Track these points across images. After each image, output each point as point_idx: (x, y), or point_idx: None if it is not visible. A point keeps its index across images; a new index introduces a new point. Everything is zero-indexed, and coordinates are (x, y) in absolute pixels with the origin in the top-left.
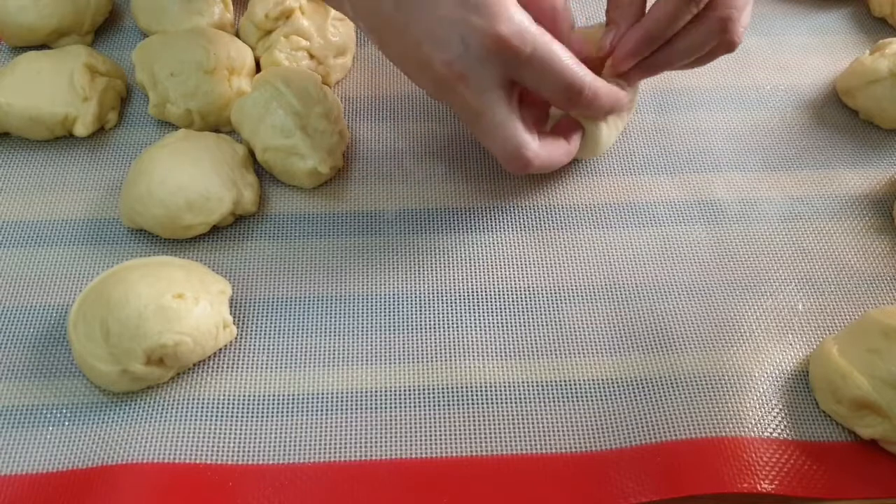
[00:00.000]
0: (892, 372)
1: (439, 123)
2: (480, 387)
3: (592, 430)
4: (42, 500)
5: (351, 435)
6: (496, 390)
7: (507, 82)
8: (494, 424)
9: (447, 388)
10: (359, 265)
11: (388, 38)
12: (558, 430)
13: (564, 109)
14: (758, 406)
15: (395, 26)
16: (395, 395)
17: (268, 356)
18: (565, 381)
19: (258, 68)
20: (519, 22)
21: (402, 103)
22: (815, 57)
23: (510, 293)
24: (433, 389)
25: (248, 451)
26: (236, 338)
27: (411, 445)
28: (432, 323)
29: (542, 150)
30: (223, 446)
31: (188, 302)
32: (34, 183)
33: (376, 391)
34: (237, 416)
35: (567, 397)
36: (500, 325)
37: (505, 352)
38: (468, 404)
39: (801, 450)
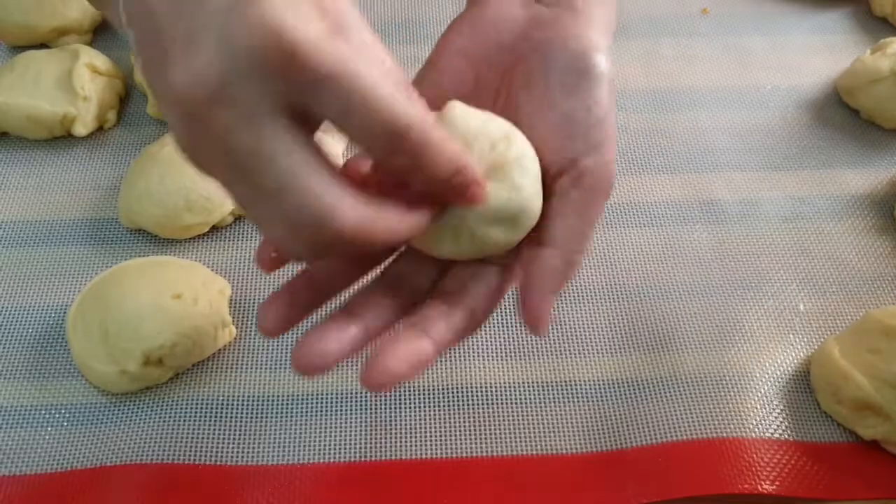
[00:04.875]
0: (893, 373)
1: None
2: (481, 387)
3: (593, 430)
4: (40, 501)
5: (350, 435)
6: (496, 390)
7: (292, 109)
8: (495, 425)
9: (448, 389)
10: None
11: (143, 42)
12: (558, 431)
13: (381, 160)
14: (759, 407)
15: (157, 26)
16: (395, 395)
17: (267, 356)
18: (566, 381)
19: None
20: (310, 26)
21: None
22: (816, 56)
23: (511, 294)
24: (434, 390)
25: (247, 452)
26: (235, 338)
27: (411, 446)
28: None
29: (359, 208)
30: (222, 447)
31: (187, 302)
32: (33, 183)
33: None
34: (236, 417)
35: (567, 398)
36: (500, 325)
37: (505, 352)
38: (469, 405)
39: (803, 450)
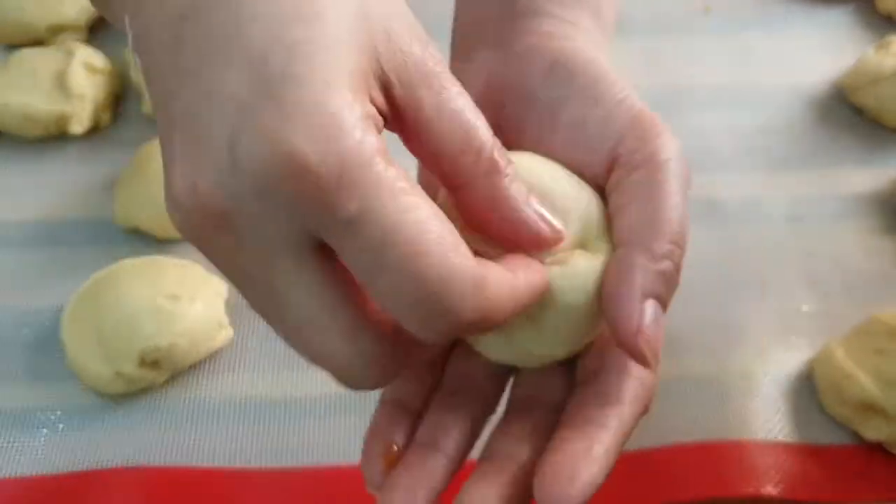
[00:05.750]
0: None
1: None
2: None
3: None
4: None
5: (350, 438)
6: None
7: (314, 242)
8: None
9: None
10: None
11: (152, 80)
12: None
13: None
14: (761, 408)
15: (168, 82)
16: None
17: (264, 358)
18: None
19: None
20: (349, 141)
21: None
22: (819, 54)
23: None
24: None
25: (245, 454)
26: (232, 339)
27: None
28: None
29: (389, 357)
30: (219, 449)
31: (183, 303)
32: (27, 182)
33: (375, 392)
34: (233, 419)
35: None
36: None
37: None
38: None
39: (806, 452)
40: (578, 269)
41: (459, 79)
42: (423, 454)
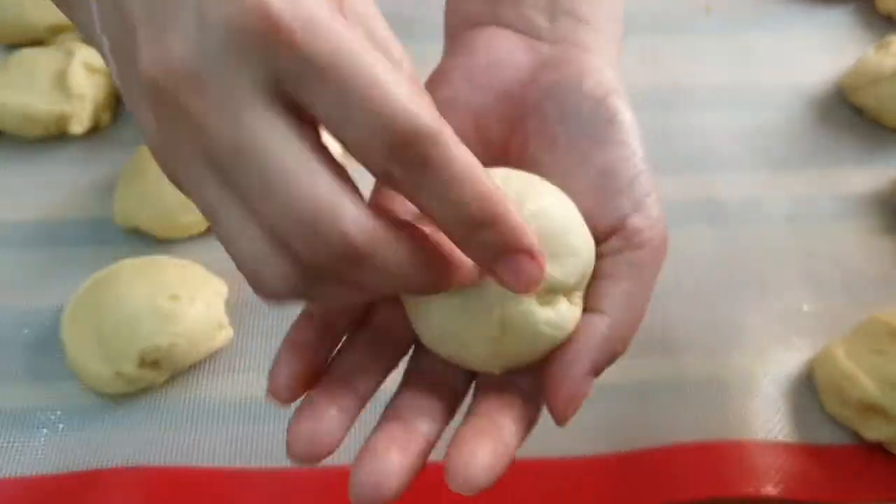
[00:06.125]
0: None
1: None
2: None
3: (595, 433)
4: None
5: (349, 438)
6: None
7: (284, 97)
8: None
9: None
10: None
11: (115, 39)
12: (560, 434)
13: (378, 175)
14: (762, 409)
15: (129, 14)
16: None
17: (264, 358)
18: None
19: None
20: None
21: None
22: (819, 54)
23: None
24: None
25: (245, 455)
26: (232, 340)
27: None
28: None
29: (370, 219)
30: (219, 449)
31: (183, 303)
32: (27, 182)
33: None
34: (233, 419)
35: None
36: None
37: None
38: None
39: (806, 453)
40: (564, 319)
41: (464, 46)
42: (338, 388)
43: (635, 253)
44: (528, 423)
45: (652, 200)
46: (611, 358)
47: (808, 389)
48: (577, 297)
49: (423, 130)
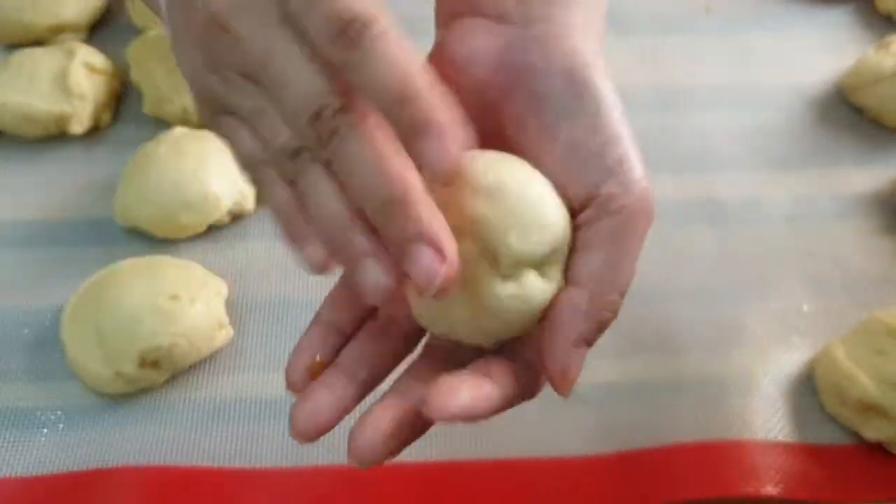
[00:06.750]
0: None
1: None
2: None
3: (595, 433)
4: (35, 503)
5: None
6: None
7: (291, 22)
8: (495, 428)
9: None
10: None
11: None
12: (560, 434)
13: (334, 62)
14: (762, 409)
15: None
16: None
17: (264, 358)
18: None
19: None
20: None
21: None
22: (819, 54)
23: None
24: None
25: (245, 454)
26: (232, 339)
27: (411, 449)
28: None
29: (338, 99)
30: (219, 449)
31: (183, 303)
32: (28, 182)
33: (375, 393)
34: (233, 419)
35: (569, 400)
36: None
37: None
38: None
39: (806, 453)
40: (530, 293)
41: (441, 41)
42: (338, 376)
43: (613, 219)
44: (521, 387)
45: (628, 165)
46: (600, 327)
47: (808, 389)
48: (555, 271)
49: (359, 17)
